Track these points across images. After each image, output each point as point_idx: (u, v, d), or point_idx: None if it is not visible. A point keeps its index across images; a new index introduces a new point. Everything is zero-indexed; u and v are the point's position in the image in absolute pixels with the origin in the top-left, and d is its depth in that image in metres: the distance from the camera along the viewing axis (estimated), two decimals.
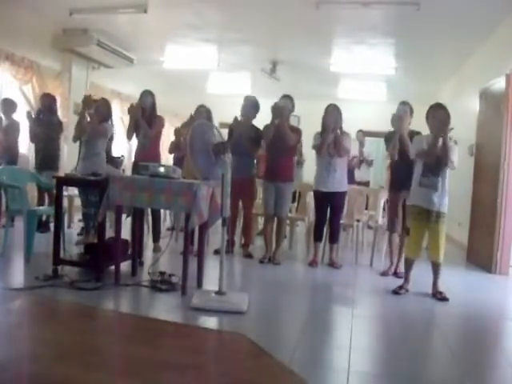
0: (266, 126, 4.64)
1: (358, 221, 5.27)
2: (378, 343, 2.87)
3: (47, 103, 5.45)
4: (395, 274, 4.34)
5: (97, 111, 4.83)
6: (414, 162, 3.79)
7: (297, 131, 4.72)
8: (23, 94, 6.29)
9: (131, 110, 4.61)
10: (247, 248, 4.86)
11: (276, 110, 4.57)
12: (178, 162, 5.97)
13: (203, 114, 4.69)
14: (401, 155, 4.20)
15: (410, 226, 3.81)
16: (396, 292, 3.75)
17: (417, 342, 2.85)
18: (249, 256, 4.76)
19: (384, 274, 4.40)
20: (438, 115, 3.58)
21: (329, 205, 4.60)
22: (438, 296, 3.65)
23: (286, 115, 4.63)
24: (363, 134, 7.83)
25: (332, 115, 4.46)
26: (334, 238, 4.68)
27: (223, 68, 8.27)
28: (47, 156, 5.35)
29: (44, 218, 5.31)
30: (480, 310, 3.58)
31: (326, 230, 4.80)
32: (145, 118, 4.63)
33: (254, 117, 4.80)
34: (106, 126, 4.79)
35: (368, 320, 3.27)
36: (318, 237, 4.70)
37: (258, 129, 4.76)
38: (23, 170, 4.98)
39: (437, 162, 3.59)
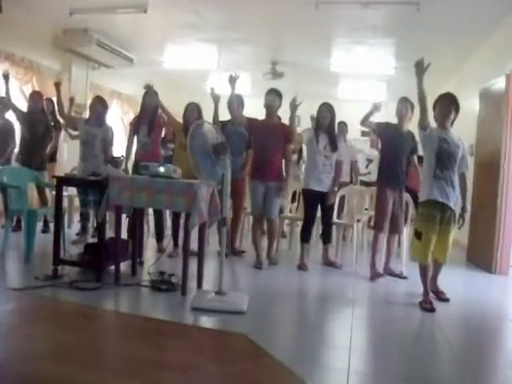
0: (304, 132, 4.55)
1: (358, 221, 5.26)
2: (378, 343, 2.86)
3: (38, 102, 5.32)
4: (386, 271, 4.33)
5: (93, 111, 4.84)
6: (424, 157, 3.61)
7: (285, 130, 4.56)
8: (23, 94, 6.29)
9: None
10: (233, 244, 4.81)
11: (267, 106, 4.54)
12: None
13: (195, 111, 4.59)
14: (390, 151, 4.22)
15: (422, 230, 3.45)
16: (429, 309, 3.34)
17: (417, 341, 2.85)
18: (236, 253, 4.76)
19: (373, 278, 4.20)
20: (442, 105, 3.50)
21: (320, 204, 4.50)
22: (441, 296, 3.64)
23: (275, 111, 4.58)
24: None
25: (327, 115, 4.44)
26: (328, 238, 4.63)
27: (223, 68, 8.27)
28: (37, 155, 5.24)
29: (42, 217, 5.32)
30: (480, 309, 3.58)
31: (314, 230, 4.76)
32: (147, 117, 4.64)
33: (241, 114, 4.69)
34: (108, 130, 4.88)
35: (368, 320, 3.27)
36: (306, 238, 4.52)
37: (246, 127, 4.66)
38: (23, 170, 4.98)
39: (450, 158, 3.46)
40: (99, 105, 4.90)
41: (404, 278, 4.28)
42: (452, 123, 3.54)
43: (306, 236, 4.53)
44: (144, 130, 4.65)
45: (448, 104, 3.49)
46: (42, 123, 5.30)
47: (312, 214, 4.53)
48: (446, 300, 3.61)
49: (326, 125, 4.46)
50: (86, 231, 4.99)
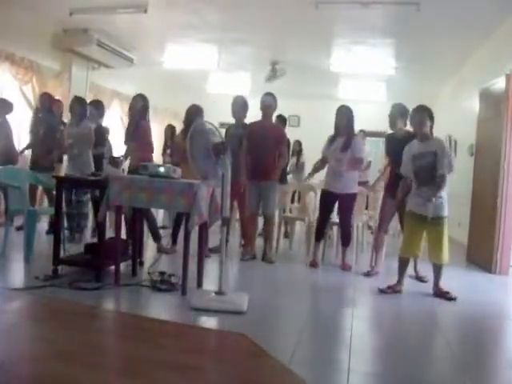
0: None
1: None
2: (378, 343, 2.87)
3: (46, 103, 5.41)
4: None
5: (72, 112, 4.83)
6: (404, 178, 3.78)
7: (280, 133, 4.75)
8: (23, 94, 6.28)
9: None
10: (246, 248, 4.85)
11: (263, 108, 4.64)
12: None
13: (199, 113, 4.57)
14: (393, 163, 4.20)
15: (405, 226, 3.78)
16: (383, 291, 3.68)
17: (417, 341, 2.85)
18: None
19: (368, 274, 4.32)
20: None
21: (337, 206, 4.58)
22: (447, 296, 3.65)
23: (272, 113, 4.73)
24: (365, 134, 7.74)
25: (344, 116, 4.48)
26: (346, 241, 4.63)
27: (223, 68, 8.27)
28: (44, 156, 5.28)
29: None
30: (480, 309, 3.58)
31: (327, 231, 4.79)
32: (134, 121, 4.64)
33: (245, 116, 4.80)
34: (88, 131, 4.82)
35: (368, 320, 3.27)
36: (318, 237, 4.65)
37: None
38: (23, 170, 4.98)
39: (426, 173, 3.56)
40: (79, 108, 4.87)
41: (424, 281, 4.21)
42: (431, 130, 3.62)
43: (318, 235, 4.66)
44: (129, 135, 4.65)
45: (420, 116, 3.60)
46: (44, 123, 5.30)
47: (325, 215, 4.63)
48: (454, 299, 3.62)
49: (343, 127, 4.49)
50: (73, 231, 5.01)
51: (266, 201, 4.67)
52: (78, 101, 4.95)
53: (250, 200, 4.67)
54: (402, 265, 3.81)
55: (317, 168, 4.71)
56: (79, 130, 4.82)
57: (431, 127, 3.61)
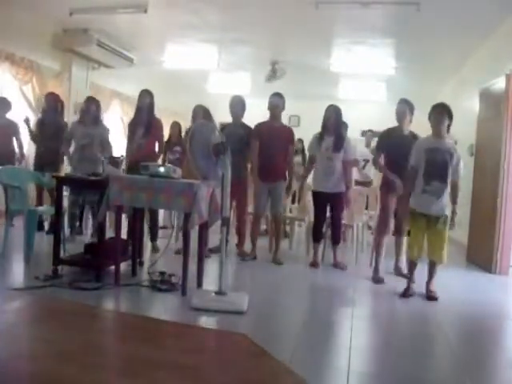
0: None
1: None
2: (378, 343, 2.86)
3: (52, 103, 5.42)
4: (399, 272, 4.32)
5: (86, 112, 4.83)
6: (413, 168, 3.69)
7: (289, 133, 4.75)
8: (23, 94, 6.28)
9: None
10: (241, 247, 4.84)
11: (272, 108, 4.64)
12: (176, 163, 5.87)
13: (201, 114, 4.59)
14: (393, 160, 4.17)
15: (411, 228, 3.74)
16: (404, 295, 3.66)
17: (417, 342, 2.85)
18: (242, 255, 4.76)
19: (378, 281, 4.15)
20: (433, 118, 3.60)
21: (328, 206, 4.58)
22: (429, 294, 3.65)
23: (280, 113, 4.72)
24: (373, 134, 7.72)
25: (332, 116, 4.48)
26: (336, 239, 4.65)
27: (223, 68, 8.27)
28: (49, 156, 5.30)
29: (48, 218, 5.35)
30: (480, 309, 3.58)
31: (326, 231, 4.80)
32: (142, 118, 4.62)
33: (242, 115, 4.80)
34: (107, 132, 4.87)
35: (368, 320, 3.27)
36: (317, 238, 4.66)
37: (248, 127, 4.77)
38: (23, 170, 4.98)
39: (440, 168, 3.55)
40: (93, 105, 4.91)
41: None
42: (448, 129, 3.63)
43: (315, 236, 4.66)
44: (140, 131, 4.60)
45: (440, 113, 3.60)
46: (52, 124, 5.30)
47: (320, 215, 4.63)
48: (434, 299, 3.61)
49: (331, 126, 4.49)
50: (74, 231, 5.01)
51: (275, 201, 4.67)
52: (94, 101, 5.00)
53: (258, 201, 4.68)
54: (413, 266, 3.77)
55: (308, 169, 4.79)
56: (98, 130, 4.87)
57: (449, 126, 3.62)
